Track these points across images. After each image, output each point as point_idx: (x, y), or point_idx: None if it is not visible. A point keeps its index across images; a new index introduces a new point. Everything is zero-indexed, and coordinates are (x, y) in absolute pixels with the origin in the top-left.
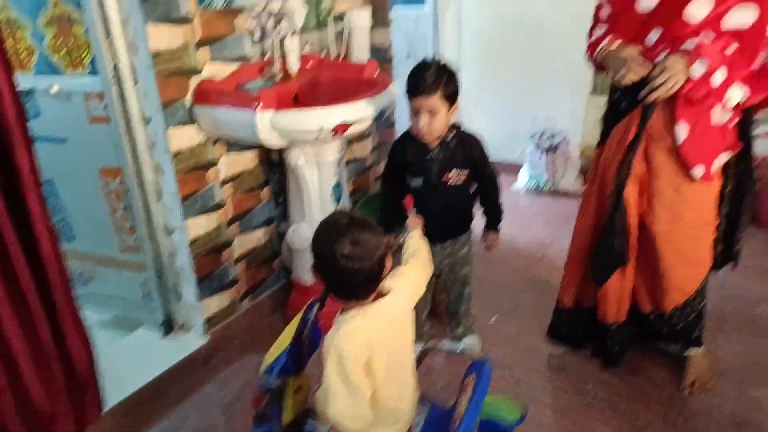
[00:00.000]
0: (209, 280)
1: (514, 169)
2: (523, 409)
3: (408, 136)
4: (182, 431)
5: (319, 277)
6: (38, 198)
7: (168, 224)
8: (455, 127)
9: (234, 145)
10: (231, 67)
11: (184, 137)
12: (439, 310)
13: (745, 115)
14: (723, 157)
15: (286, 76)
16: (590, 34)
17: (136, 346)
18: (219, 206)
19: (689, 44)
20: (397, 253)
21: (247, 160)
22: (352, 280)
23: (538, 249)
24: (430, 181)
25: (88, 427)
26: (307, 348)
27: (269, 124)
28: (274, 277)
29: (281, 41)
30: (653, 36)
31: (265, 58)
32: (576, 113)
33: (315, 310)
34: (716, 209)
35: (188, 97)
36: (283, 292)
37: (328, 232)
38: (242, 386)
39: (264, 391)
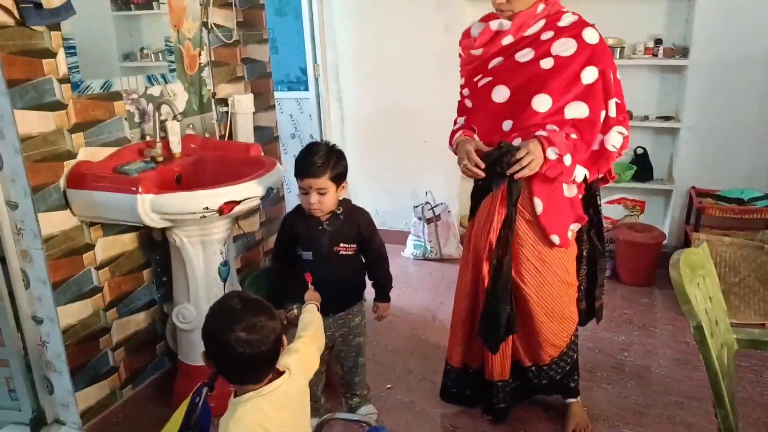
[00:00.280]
0: (84, 370)
1: (403, 236)
2: None
3: (300, 209)
4: None
5: (211, 363)
6: None
7: (36, 313)
8: (345, 201)
9: (112, 227)
10: (109, 150)
11: (56, 221)
12: (334, 383)
13: (591, 190)
14: (574, 227)
15: (169, 156)
16: (454, 122)
17: None
18: (95, 291)
19: (541, 133)
20: (290, 327)
21: (127, 241)
22: (248, 365)
23: (426, 313)
24: (321, 253)
25: None
26: None
27: (150, 208)
28: (158, 361)
29: (162, 123)
30: (507, 125)
31: (146, 140)
32: (451, 188)
33: (204, 393)
34: (576, 271)
35: (62, 181)
36: (169, 376)
37: (221, 317)
38: None
39: None
